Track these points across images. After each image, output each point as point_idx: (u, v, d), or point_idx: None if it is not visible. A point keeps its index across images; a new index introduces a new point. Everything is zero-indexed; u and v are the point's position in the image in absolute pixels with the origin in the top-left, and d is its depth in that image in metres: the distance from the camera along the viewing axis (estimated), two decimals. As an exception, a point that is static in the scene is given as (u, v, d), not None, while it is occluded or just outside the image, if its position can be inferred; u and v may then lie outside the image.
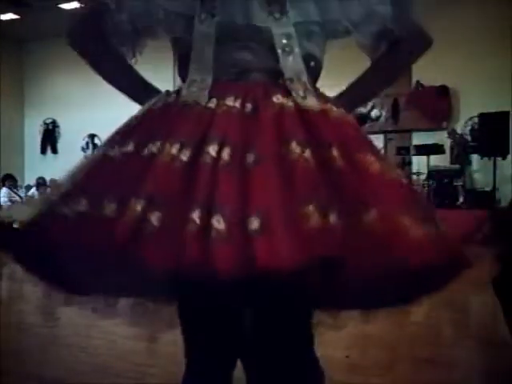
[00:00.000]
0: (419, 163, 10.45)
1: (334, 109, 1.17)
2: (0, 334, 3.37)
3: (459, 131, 10.82)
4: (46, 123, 15.71)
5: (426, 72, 11.05)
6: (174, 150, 1.02)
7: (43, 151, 15.77)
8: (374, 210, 0.98)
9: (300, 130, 1.07)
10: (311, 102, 1.14)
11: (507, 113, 9.28)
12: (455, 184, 9.95)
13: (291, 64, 1.16)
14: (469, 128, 10.93)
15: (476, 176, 10.58)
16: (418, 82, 11.19)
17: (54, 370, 2.68)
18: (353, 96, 1.31)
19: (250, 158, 1.00)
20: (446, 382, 2.61)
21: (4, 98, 15.22)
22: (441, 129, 10.94)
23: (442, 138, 10.60)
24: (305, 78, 1.17)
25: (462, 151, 10.41)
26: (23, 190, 11.62)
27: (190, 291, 1.04)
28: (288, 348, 1.17)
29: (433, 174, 10.09)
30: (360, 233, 0.96)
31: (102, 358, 2.92)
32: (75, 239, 1.01)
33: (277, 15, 1.15)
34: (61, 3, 12.86)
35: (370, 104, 11.61)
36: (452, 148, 10.56)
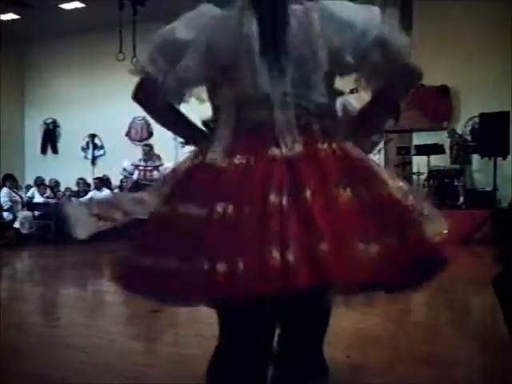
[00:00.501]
0: (419, 163, 10.44)
1: (322, 150, 1.47)
2: (0, 333, 3.38)
3: (460, 131, 10.82)
4: (46, 123, 15.72)
5: (426, 72, 10.98)
6: (195, 209, 1.44)
7: (43, 151, 15.77)
8: (327, 240, 1.32)
9: (282, 177, 1.40)
10: (296, 150, 1.45)
11: (507, 113, 9.27)
12: (456, 184, 9.95)
13: (284, 116, 1.46)
14: (469, 128, 10.93)
15: (476, 176, 10.58)
16: (418, 81, 11.19)
17: (54, 370, 2.68)
18: (351, 128, 1.61)
19: (246, 210, 1.38)
20: (447, 382, 2.61)
21: (4, 98, 15.22)
22: (441, 129, 10.94)
23: (442, 138, 10.60)
24: (293, 126, 1.47)
25: (462, 151, 10.41)
26: (23, 190, 11.62)
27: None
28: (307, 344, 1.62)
29: (433, 174, 10.09)
30: (318, 261, 1.31)
31: (102, 358, 2.92)
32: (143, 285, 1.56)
33: (275, 77, 1.46)
34: (61, 3, 12.87)
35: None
36: (451, 148, 10.56)
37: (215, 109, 1.62)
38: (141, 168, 8.86)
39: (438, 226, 1.61)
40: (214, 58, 1.51)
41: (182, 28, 1.58)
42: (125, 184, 9.83)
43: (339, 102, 1.90)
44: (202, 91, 1.65)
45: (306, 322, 1.58)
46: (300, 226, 1.33)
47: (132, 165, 9.01)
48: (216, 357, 1.72)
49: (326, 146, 1.48)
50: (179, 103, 1.66)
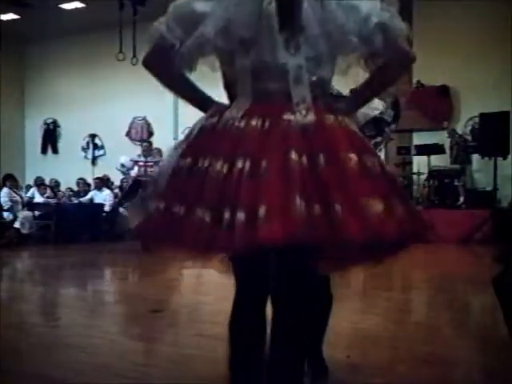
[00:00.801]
0: (420, 163, 10.45)
1: (331, 119, 1.62)
2: (0, 333, 3.38)
3: (460, 131, 10.82)
4: (46, 123, 15.72)
5: (426, 72, 11.05)
6: (218, 165, 1.53)
7: (44, 151, 15.78)
8: (343, 199, 1.47)
9: (298, 141, 1.54)
10: (310, 118, 1.59)
11: (507, 113, 9.28)
12: (456, 184, 9.95)
13: (299, 90, 1.61)
14: (469, 128, 10.93)
15: (476, 176, 10.59)
16: (418, 81, 11.19)
17: (54, 370, 2.68)
18: (352, 103, 1.82)
19: (263, 166, 1.50)
20: (446, 381, 2.62)
21: (5, 98, 15.21)
22: (441, 129, 10.94)
23: (442, 138, 10.60)
24: (309, 99, 1.61)
25: (462, 151, 10.41)
26: (24, 190, 11.62)
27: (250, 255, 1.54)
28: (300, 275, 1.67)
29: (433, 173, 10.09)
30: (331, 219, 1.45)
31: (102, 358, 2.92)
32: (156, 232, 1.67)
33: (292, 51, 1.61)
34: (61, 3, 12.87)
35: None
36: (452, 148, 10.55)
37: (227, 78, 1.74)
38: (141, 164, 8.45)
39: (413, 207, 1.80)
40: (232, 30, 1.61)
41: (198, 0, 1.64)
42: (125, 183, 9.65)
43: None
44: (215, 60, 1.72)
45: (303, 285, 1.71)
46: (316, 186, 1.49)
47: (131, 160, 8.62)
48: (232, 311, 1.86)
49: (332, 118, 1.63)
50: (190, 71, 1.75)
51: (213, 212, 1.49)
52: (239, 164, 1.51)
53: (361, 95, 1.83)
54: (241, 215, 1.44)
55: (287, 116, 1.58)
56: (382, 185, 1.58)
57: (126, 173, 8.59)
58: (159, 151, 9.43)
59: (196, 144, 1.66)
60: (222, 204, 1.48)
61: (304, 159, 1.51)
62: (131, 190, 8.13)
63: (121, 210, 8.75)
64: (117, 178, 11.24)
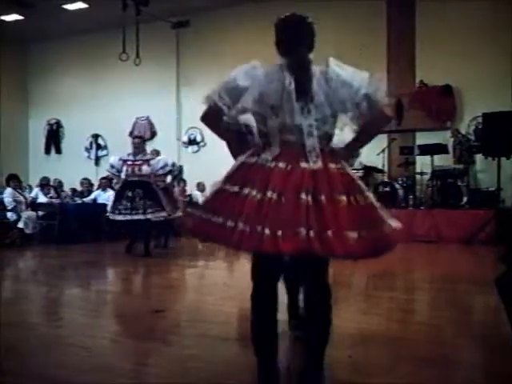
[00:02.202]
0: (423, 163, 10.42)
1: (333, 166, 2.31)
2: (4, 333, 3.39)
3: (463, 131, 10.79)
4: (49, 123, 15.76)
5: (429, 71, 11.05)
6: (254, 192, 2.23)
7: (47, 151, 15.81)
8: (333, 228, 2.16)
9: (309, 183, 2.23)
10: (319, 165, 2.29)
11: (511, 112, 9.24)
12: (459, 184, 9.92)
13: (310, 142, 2.32)
14: (473, 128, 10.90)
15: (480, 176, 10.56)
16: (421, 81, 11.17)
17: (57, 370, 2.69)
18: (347, 151, 2.50)
19: (283, 199, 2.19)
20: (449, 382, 2.61)
21: (8, 99, 15.26)
22: (444, 128, 10.91)
23: (445, 137, 10.58)
24: (318, 149, 2.31)
25: (465, 151, 10.38)
26: (27, 190, 11.64)
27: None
28: (316, 276, 2.40)
29: (436, 173, 10.06)
30: (323, 240, 2.14)
31: (105, 358, 2.93)
32: (212, 235, 2.33)
33: (305, 115, 2.32)
34: (65, 4, 12.88)
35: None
36: (455, 148, 10.53)
37: (260, 132, 2.42)
38: (129, 163, 7.63)
39: (392, 223, 2.37)
40: (265, 100, 2.33)
41: (241, 77, 2.35)
42: (115, 185, 8.76)
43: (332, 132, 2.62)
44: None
45: (317, 266, 2.39)
46: (316, 217, 2.17)
47: (120, 160, 7.78)
48: (251, 299, 2.43)
49: (333, 165, 2.32)
50: (235, 128, 2.47)
51: (250, 226, 2.17)
52: (269, 194, 2.21)
53: (353, 146, 2.52)
54: (267, 231, 2.14)
55: (303, 164, 2.28)
56: (359, 219, 2.23)
57: (117, 174, 7.79)
58: (158, 152, 8.95)
59: (239, 174, 2.34)
60: (256, 221, 2.16)
61: (310, 198, 2.19)
62: (119, 192, 7.62)
63: (109, 215, 7.70)
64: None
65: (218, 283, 5.62)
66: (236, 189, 2.29)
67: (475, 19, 10.66)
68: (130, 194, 7.37)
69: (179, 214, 7.89)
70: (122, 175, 7.61)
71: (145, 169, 7.52)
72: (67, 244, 9.02)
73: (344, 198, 2.23)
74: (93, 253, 8.38)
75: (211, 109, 2.40)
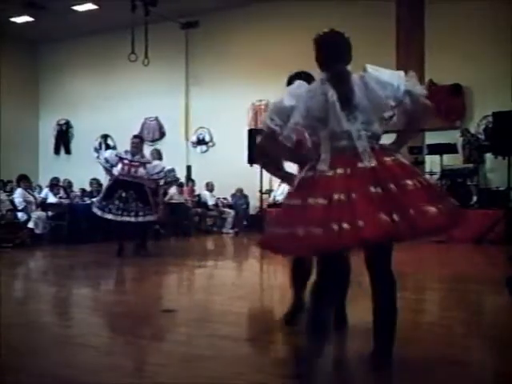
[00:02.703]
0: (432, 163, 10.38)
1: (388, 160, 2.50)
2: (14, 332, 3.41)
3: (473, 130, 10.74)
4: (59, 124, 15.84)
5: (439, 71, 11.00)
6: (320, 201, 2.41)
7: (57, 152, 15.90)
8: (413, 207, 2.36)
9: (370, 178, 2.43)
10: (373, 163, 2.48)
11: (521, 112, 9.18)
12: (469, 183, 9.88)
13: (361, 144, 2.52)
14: (483, 127, 10.84)
15: (490, 175, 10.50)
16: (430, 80, 11.13)
17: (67, 369, 2.70)
18: (397, 144, 2.68)
19: (353, 196, 2.38)
20: (459, 382, 2.60)
21: (19, 100, 15.37)
22: (454, 128, 10.87)
23: (455, 137, 10.53)
24: (369, 149, 2.51)
25: (475, 150, 10.32)
26: (37, 190, 11.71)
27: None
28: (386, 265, 2.65)
29: (446, 173, 10.02)
30: (410, 219, 2.34)
31: (114, 358, 2.94)
32: (288, 246, 2.53)
33: (352, 121, 2.54)
34: (75, 5, 12.95)
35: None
36: (464, 147, 10.47)
37: (314, 142, 2.66)
38: (126, 162, 7.40)
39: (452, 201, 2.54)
40: (311, 114, 2.55)
41: (287, 98, 2.57)
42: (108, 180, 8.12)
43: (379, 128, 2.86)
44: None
45: (387, 255, 2.63)
46: (393, 202, 2.36)
47: (116, 156, 7.56)
48: (315, 286, 2.67)
49: (387, 158, 2.51)
50: (291, 144, 2.62)
51: (323, 227, 2.34)
52: (335, 197, 2.38)
53: (402, 139, 2.72)
54: (345, 225, 2.30)
55: (360, 164, 2.48)
56: (430, 195, 2.44)
57: (109, 168, 7.51)
58: (158, 152, 8.95)
59: (301, 189, 2.56)
60: (329, 221, 2.33)
61: (379, 189, 2.39)
62: (110, 190, 7.43)
63: (94, 210, 7.39)
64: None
65: (227, 283, 5.63)
66: (299, 202, 2.50)
67: (485, 19, 10.60)
68: (123, 194, 7.27)
69: (152, 218, 7.58)
70: (115, 171, 7.42)
71: (140, 171, 7.41)
72: (76, 244, 9.05)
73: (409, 181, 2.42)
74: (102, 253, 8.40)
75: (266, 133, 2.64)
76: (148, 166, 7.54)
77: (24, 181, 10.00)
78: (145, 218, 7.33)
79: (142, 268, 6.67)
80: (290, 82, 2.85)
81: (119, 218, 7.25)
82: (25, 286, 5.76)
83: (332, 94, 2.52)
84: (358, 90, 2.53)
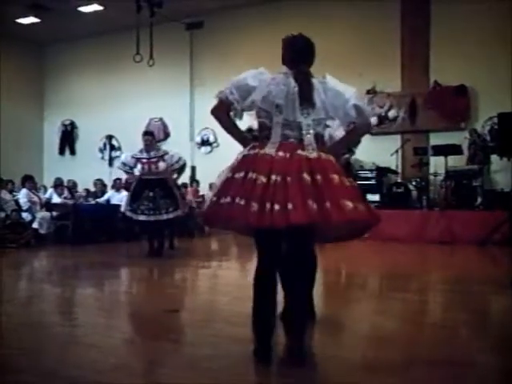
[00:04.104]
0: (437, 164, 10.36)
1: (323, 156, 2.77)
2: (19, 332, 3.42)
3: (478, 131, 10.70)
4: (64, 124, 15.87)
5: (443, 72, 10.98)
6: (262, 177, 2.64)
7: (62, 152, 15.93)
8: (331, 199, 2.61)
9: (307, 167, 2.69)
10: (314, 155, 2.75)
11: (527, 113, 9.15)
12: (473, 185, 9.85)
13: (308, 138, 2.80)
14: (488, 128, 10.81)
15: (495, 176, 10.47)
16: (435, 81, 11.11)
17: (71, 369, 2.71)
18: (334, 149, 3.01)
19: (288, 179, 2.63)
20: (463, 382, 2.60)
21: (24, 100, 15.42)
22: (459, 129, 10.84)
23: (460, 138, 10.49)
24: (314, 144, 2.79)
25: (480, 151, 10.29)
26: (42, 190, 11.74)
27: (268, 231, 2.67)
28: (303, 252, 2.94)
29: (451, 174, 10.00)
30: (325, 211, 2.59)
31: (118, 358, 2.95)
32: (226, 215, 2.73)
33: (305, 115, 2.82)
34: (80, 6, 12.98)
35: (387, 104, 11.57)
36: (469, 148, 10.43)
37: (262, 126, 2.87)
38: (144, 161, 7.38)
39: (370, 206, 2.89)
40: (271, 98, 2.79)
41: (250, 78, 2.83)
42: (127, 182, 8.59)
43: (327, 132, 3.28)
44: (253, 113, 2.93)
45: (306, 243, 2.96)
46: (316, 191, 2.62)
47: (133, 157, 7.53)
48: (256, 270, 2.84)
49: (324, 155, 2.78)
50: (240, 118, 2.94)
51: (259, 204, 2.58)
52: (273, 177, 2.64)
53: (338, 145, 3.14)
54: (277, 207, 2.56)
55: (300, 152, 2.74)
56: (350, 192, 2.71)
57: (130, 172, 7.53)
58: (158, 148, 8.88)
59: (243, 164, 2.76)
60: (265, 200, 2.58)
61: (309, 177, 2.65)
62: (136, 191, 7.38)
63: (128, 213, 7.44)
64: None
65: (231, 283, 5.63)
66: (242, 174, 2.70)
67: (490, 19, 10.57)
68: (150, 194, 7.23)
69: (181, 213, 7.58)
70: (136, 172, 7.40)
71: (161, 165, 7.37)
72: (81, 244, 9.08)
73: (336, 176, 2.69)
74: (106, 253, 8.43)
75: (222, 102, 2.85)
76: (166, 157, 7.49)
77: (29, 181, 10.04)
78: (174, 213, 7.30)
79: (146, 268, 6.69)
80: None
81: (152, 218, 7.22)
82: (29, 286, 5.78)
83: (294, 87, 2.78)
84: (316, 93, 2.82)
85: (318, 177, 2.65)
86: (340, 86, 2.87)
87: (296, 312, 2.84)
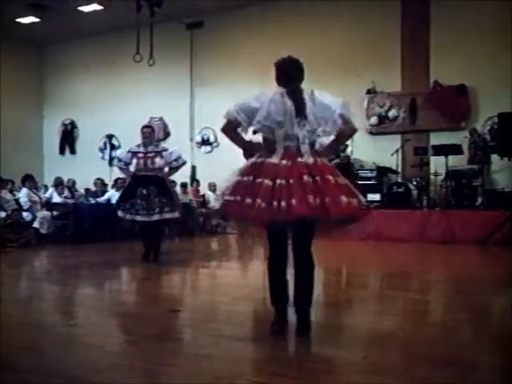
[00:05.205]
0: (437, 164, 10.35)
1: (319, 160, 3.24)
2: (20, 332, 3.42)
3: (478, 131, 10.70)
4: (64, 124, 15.88)
5: (444, 71, 10.98)
6: (267, 181, 3.13)
7: (62, 152, 15.93)
8: (329, 196, 3.10)
9: (305, 170, 3.16)
10: (311, 160, 3.21)
11: (527, 112, 9.15)
12: (474, 184, 9.85)
13: (304, 147, 3.25)
14: (488, 128, 10.81)
15: (495, 176, 10.47)
16: (436, 81, 11.11)
17: (72, 369, 2.71)
18: (325, 152, 3.42)
19: (291, 181, 3.11)
20: (463, 382, 2.59)
21: (24, 100, 15.42)
22: (459, 129, 10.84)
23: (460, 138, 10.49)
24: (309, 151, 3.25)
25: (480, 150, 10.29)
26: (42, 190, 11.74)
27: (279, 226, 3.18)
28: (306, 247, 3.32)
29: (451, 174, 9.99)
30: (324, 206, 3.08)
31: (119, 357, 2.95)
32: (237, 212, 3.24)
33: (301, 127, 3.24)
34: (80, 6, 12.98)
35: (387, 104, 11.58)
36: (469, 148, 10.43)
37: (267, 140, 3.31)
38: (140, 155, 6.78)
39: (361, 199, 3.28)
40: (272, 117, 3.22)
41: (254, 100, 3.27)
42: (120, 181, 8.02)
43: (318, 139, 3.48)
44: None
45: (308, 238, 3.34)
46: (317, 189, 3.08)
47: (129, 152, 6.95)
48: (269, 258, 3.38)
49: (319, 160, 3.25)
50: (245, 134, 3.35)
51: (266, 202, 3.04)
52: (278, 181, 3.09)
53: (329, 149, 3.48)
54: (283, 203, 3.01)
55: (299, 159, 3.21)
56: (344, 190, 3.18)
57: (124, 168, 6.94)
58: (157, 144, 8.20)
59: (251, 170, 3.24)
60: (272, 199, 3.04)
61: (310, 179, 3.11)
62: (129, 189, 6.87)
63: (119, 212, 6.87)
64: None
65: (232, 283, 5.63)
66: (250, 178, 3.18)
67: (490, 19, 10.58)
68: (144, 191, 6.67)
69: (177, 215, 7.03)
70: (131, 168, 6.88)
71: (158, 161, 6.78)
72: (81, 244, 9.08)
73: (331, 177, 3.17)
74: (107, 253, 8.42)
75: (230, 122, 3.31)
76: (164, 153, 6.89)
77: (29, 181, 10.04)
78: (170, 214, 6.79)
79: (146, 268, 6.68)
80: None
81: (146, 218, 6.67)
82: (30, 286, 5.78)
83: (291, 105, 3.23)
84: (308, 107, 3.25)
85: (317, 178, 3.12)
86: (327, 99, 3.30)
87: (304, 288, 3.29)
